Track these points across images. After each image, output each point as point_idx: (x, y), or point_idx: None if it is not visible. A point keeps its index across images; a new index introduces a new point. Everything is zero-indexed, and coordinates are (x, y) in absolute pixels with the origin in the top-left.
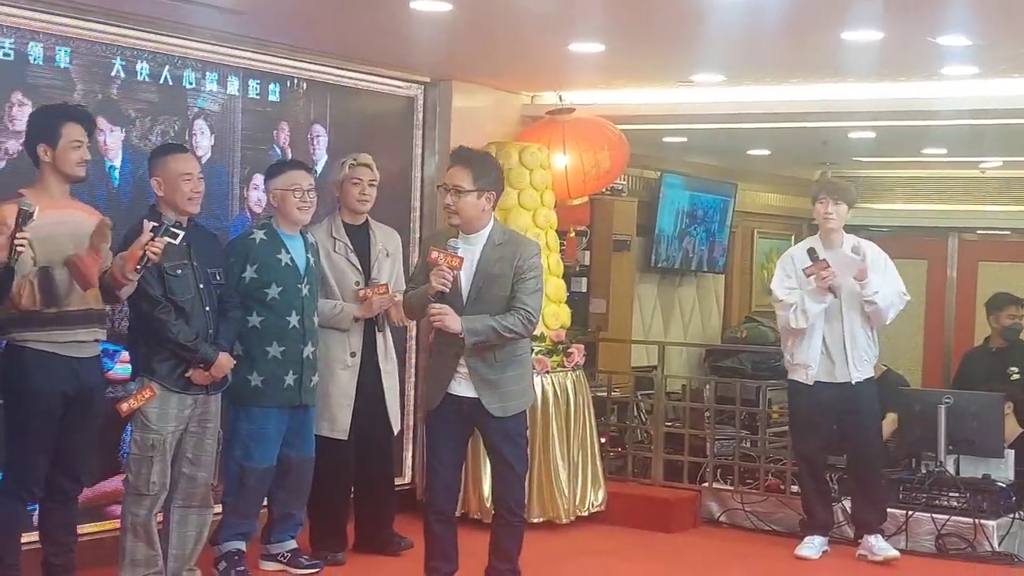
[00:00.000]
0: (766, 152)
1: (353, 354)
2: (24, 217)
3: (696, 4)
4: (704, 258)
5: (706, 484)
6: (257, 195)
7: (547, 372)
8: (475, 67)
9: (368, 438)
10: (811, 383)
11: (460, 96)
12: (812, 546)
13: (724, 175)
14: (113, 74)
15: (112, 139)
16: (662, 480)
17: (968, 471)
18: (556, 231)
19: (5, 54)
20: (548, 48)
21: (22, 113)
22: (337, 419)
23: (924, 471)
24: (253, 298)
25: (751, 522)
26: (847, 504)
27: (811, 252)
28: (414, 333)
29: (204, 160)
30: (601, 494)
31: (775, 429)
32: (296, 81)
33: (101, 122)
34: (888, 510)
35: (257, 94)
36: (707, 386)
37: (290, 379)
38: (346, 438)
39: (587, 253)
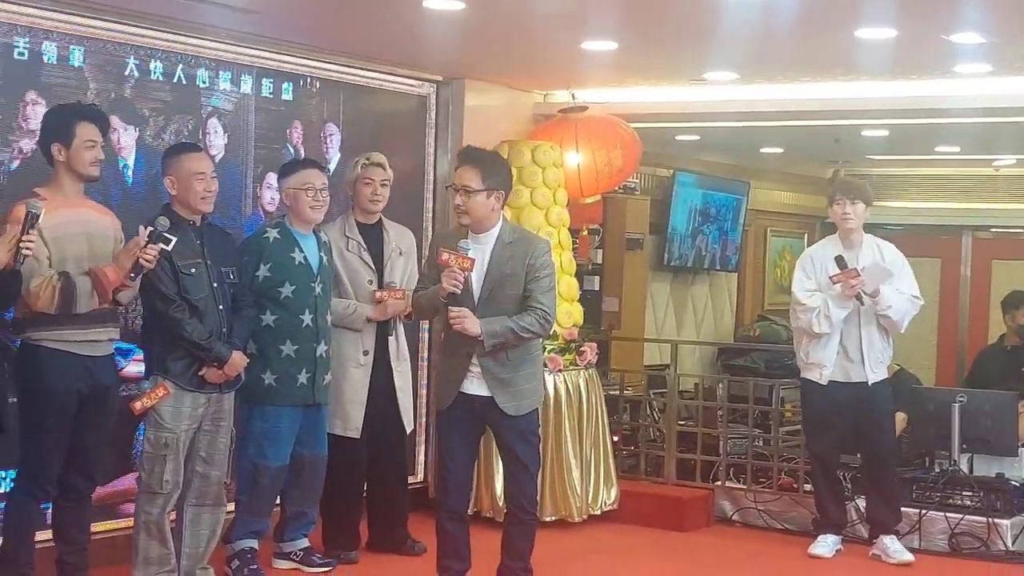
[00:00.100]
0: (779, 150)
1: (366, 353)
2: (31, 219)
3: (709, 2)
4: (717, 256)
5: (719, 483)
6: (270, 194)
7: (560, 370)
8: (487, 66)
9: (380, 437)
10: (825, 383)
11: (472, 95)
12: (825, 545)
13: (737, 173)
14: (127, 73)
15: (126, 138)
16: (675, 479)
17: (982, 470)
18: (569, 229)
19: (19, 53)
20: (561, 46)
21: (36, 112)
22: (350, 417)
23: (938, 470)
24: (267, 297)
25: (764, 521)
26: (860, 503)
27: (839, 260)
28: (426, 332)
29: (217, 159)
30: (613, 493)
31: (788, 428)
32: (309, 80)
33: (115, 121)
34: (902, 509)
35: (270, 93)
36: (720, 385)
37: (303, 378)
38: (359, 436)
39: (600, 251)
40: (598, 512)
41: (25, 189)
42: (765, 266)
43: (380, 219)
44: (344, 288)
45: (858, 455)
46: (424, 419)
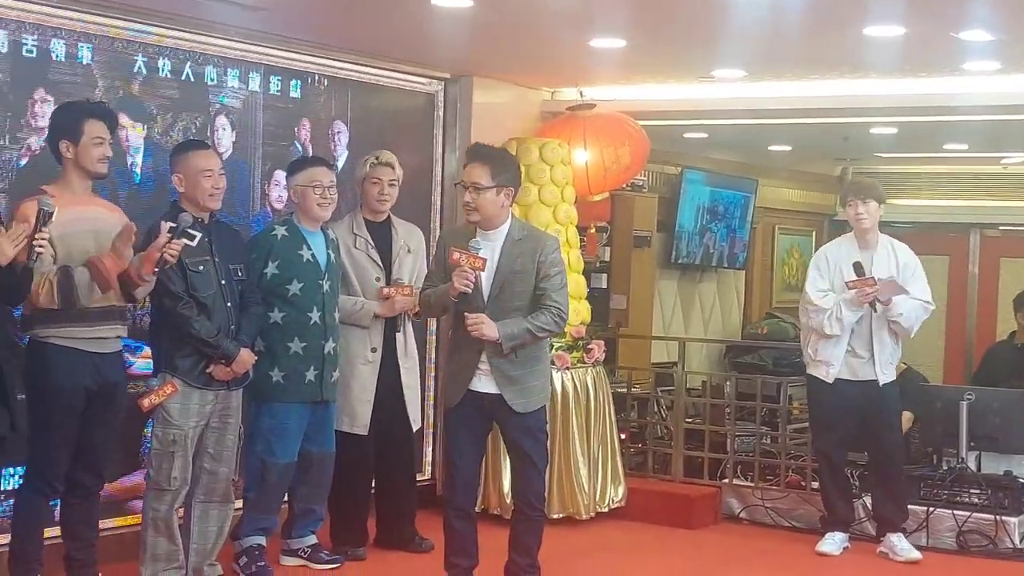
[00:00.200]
0: (787, 148)
1: (374, 350)
2: (44, 217)
3: None
4: (725, 254)
5: (726, 480)
6: (278, 191)
7: (567, 368)
8: (496, 63)
9: (388, 434)
10: (831, 381)
11: (481, 92)
12: (833, 542)
13: (745, 171)
14: (135, 70)
15: (134, 135)
16: (682, 476)
17: (990, 468)
18: (576, 227)
19: (28, 51)
20: (569, 44)
21: (45, 110)
22: (357, 415)
23: (945, 468)
24: (274, 294)
25: (771, 518)
26: (868, 500)
27: (857, 267)
28: (434, 330)
29: (225, 156)
30: (621, 490)
31: (795, 425)
32: (317, 77)
33: (123, 118)
34: (909, 507)
35: (278, 90)
36: (727, 382)
37: (311, 375)
38: (366, 433)
39: (607, 249)
40: (605, 509)
41: (34, 186)
42: (773, 264)
43: (389, 217)
44: (352, 286)
45: (865, 453)
46: (432, 417)
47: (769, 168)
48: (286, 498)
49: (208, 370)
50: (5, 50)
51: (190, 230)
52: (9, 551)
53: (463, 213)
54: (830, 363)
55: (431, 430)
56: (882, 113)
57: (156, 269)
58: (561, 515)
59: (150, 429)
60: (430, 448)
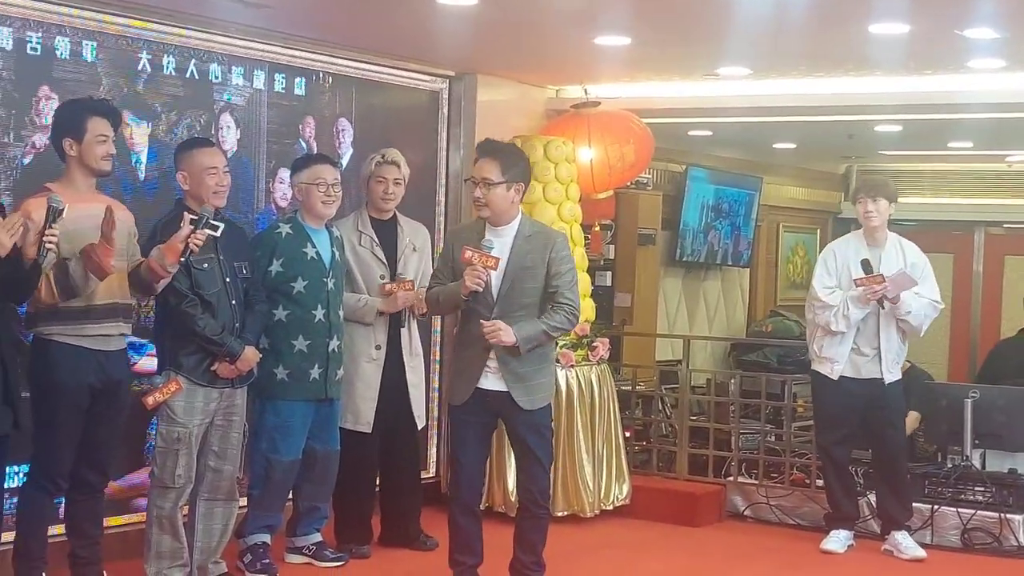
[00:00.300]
0: (792, 145)
1: (378, 347)
2: (54, 214)
3: None
4: (729, 252)
5: (731, 478)
6: (283, 189)
7: (572, 366)
8: (500, 61)
9: (392, 432)
10: (836, 378)
11: (485, 90)
12: (837, 540)
13: (749, 169)
14: (139, 68)
15: (138, 133)
16: (687, 474)
17: (994, 465)
18: (581, 225)
19: (32, 48)
20: (573, 41)
21: (49, 107)
22: (361, 412)
23: (950, 465)
24: (279, 292)
25: (776, 516)
26: (872, 498)
27: (866, 264)
28: (439, 327)
29: (230, 154)
30: (626, 488)
31: (800, 423)
32: (322, 75)
33: (127, 116)
34: (914, 504)
35: (283, 88)
36: (732, 380)
37: (315, 372)
38: (370, 431)
39: (612, 247)
40: (610, 507)
41: (38, 184)
42: (777, 262)
43: (395, 215)
44: (356, 284)
45: (869, 450)
46: (436, 414)
47: (774, 166)
48: (291, 496)
49: (212, 368)
50: (9, 47)
51: (213, 221)
52: (13, 549)
53: (473, 209)
54: (835, 360)
55: (436, 428)
56: (887, 111)
57: (181, 259)
58: (565, 513)
59: (154, 427)
60: (435, 446)
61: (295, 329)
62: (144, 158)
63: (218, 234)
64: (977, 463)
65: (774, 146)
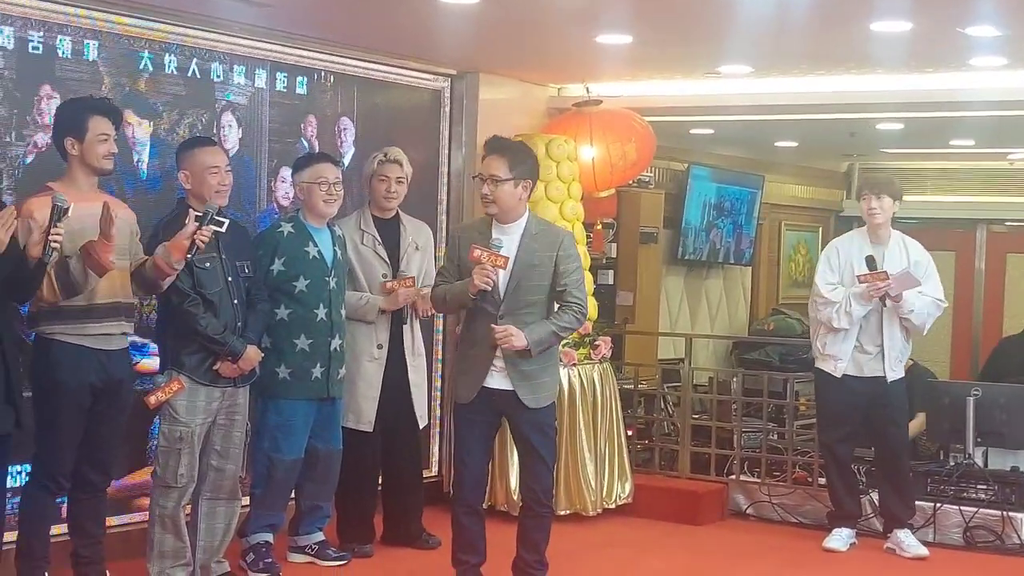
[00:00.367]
0: (793, 144)
1: (380, 346)
2: (59, 213)
3: None
4: (731, 250)
5: (733, 476)
6: (285, 188)
7: (574, 364)
8: (502, 59)
9: (395, 431)
10: (839, 376)
11: (487, 88)
12: (840, 538)
13: (751, 167)
14: (141, 67)
15: (140, 132)
16: (689, 472)
17: (996, 463)
18: (583, 223)
19: (34, 47)
20: (575, 40)
21: (51, 106)
22: (363, 411)
23: (952, 463)
24: (281, 291)
25: (778, 514)
26: (875, 496)
27: (870, 260)
28: (441, 327)
29: (232, 153)
30: (628, 486)
31: (802, 421)
32: (323, 74)
33: (128, 115)
34: (916, 502)
35: (284, 87)
36: (734, 378)
37: (318, 371)
38: (371, 430)
39: (614, 245)
40: (612, 506)
41: (40, 183)
42: (779, 260)
43: (397, 213)
44: (358, 282)
45: (872, 449)
46: (439, 413)
47: (775, 164)
48: (293, 495)
49: (215, 367)
50: (11, 47)
51: (218, 217)
52: (16, 548)
53: (481, 206)
54: (838, 358)
55: (438, 427)
56: (889, 109)
57: (188, 256)
58: (568, 511)
59: (157, 426)
60: (437, 445)
61: (297, 328)
62: (146, 157)
63: (223, 230)
64: (979, 461)
65: (776, 144)
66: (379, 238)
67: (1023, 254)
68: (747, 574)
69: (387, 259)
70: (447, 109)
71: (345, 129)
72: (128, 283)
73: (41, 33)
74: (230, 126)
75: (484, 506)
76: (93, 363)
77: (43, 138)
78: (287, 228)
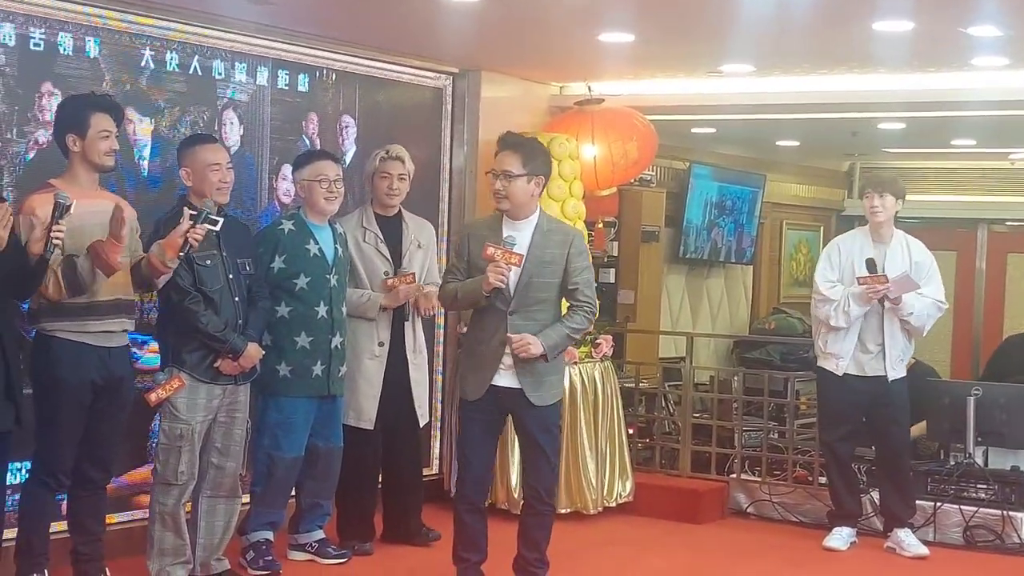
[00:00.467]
0: (795, 143)
1: (381, 344)
2: (61, 210)
3: None
4: (732, 249)
5: (734, 475)
6: (286, 185)
7: (575, 363)
8: (504, 58)
9: (395, 429)
10: (840, 374)
11: (489, 87)
12: (840, 537)
13: (753, 166)
14: (142, 64)
15: (141, 129)
16: (690, 471)
17: (997, 463)
18: (584, 222)
19: (35, 44)
20: (577, 38)
21: (52, 103)
22: (363, 409)
23: (953, 463)
24: (282, 288)
25: (779, 513)
26: (875, 495)
27: (870, 263)
28: (442, 323)
29: (233, 151)
30: (629, 485)
31: (803, 420)
32: (325, 72)
33: (130, 112)
34: (916, 502)
35: (286, 85)
36: (735, 377)
37: (318, 369)
38: (372, 428)
39: (615, 244)
40: (613, 504)
41: (41, 180)
42: (781, 259)
43: (400, 211)
44: (360, 279)
45: (872, 448)
46: (439, 411)
47: (777, 163)
48: (293, 493)
49: (215, 364)
50: (12, 43)
51: (212, 216)
52: (16, 545)
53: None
54: (840, 356)
55: (438, 424)
56: (890, 108)
57: (181, 255)
58: (569, 510)
59: (157, 424)
60: (437, 443)
61: (298, 325)
62: (147, 154)
63: (217, 228)
64: (980, 460)
65: (777, 143)
66: (381, 236)
67: None
68: (748, 573)
69: (389, 257)
70: (449, 107)
71: (347, 127)
72: (129, 280)
73: (42, 30)
74: (231, 123)
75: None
76: (94, 360)
77: (44, 135)
78: (288, 226)
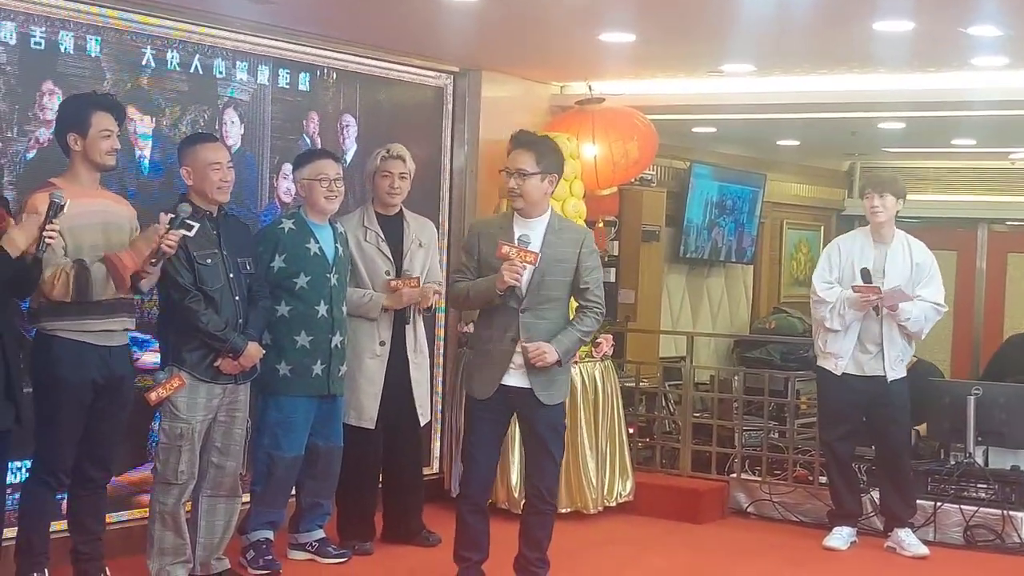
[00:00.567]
0: (795, 142)
1: (382, 343)
2: (55, 209)
3: None
4: (733, 249)
5: (734, 475)
6: (287, 185)
7: (576, 362)
8: (505, 57)
9: (396, 428)
10: (839, 374)
11: (489, 86)
12: (840, 537)
13: (753, 165)
14: (143, 63)
15: (142, 128)
16: (690, 471)
17: (997, 462)
18: (585, 221)
19: (36, 43)
20: (578, 38)
21: (53, 102)
22: (364, 408)
23: (953, 462)
24: (282, 287)
25: (779, 513)
26: (876, 495)
27: (865, 273)
28: (444, 320)
29: (234, 149)
30: (629, 484)
31: (803, 420)
32: (326, 71)
33: (131, 111)
34: (917, 501)
35: (287, 84)
36: (735, 377)
37: (318, 368)
38: (373, 427)
39: (616, 243)
40: (613, 504)
41: (42, 179)
42: (781, 259)
43: (401, 210)
44: (361, 279)
45: (872, 447)
46: (440, 411)
47: (777, 163)
48: (293, 492)
49: (216, 364)
50: (13, 42)
51: (188, 220)
52: (15, 544)
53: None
54: (839, 356)
55: (439, 423)
56: (890, 108)
57: (154, 261)
58: (569, 509)
59: (157, 423)
60: (438, 442)
61: (297, 325)
62: (148, 153)
63: (192, 233)
64: (980, 460)
65: (778, 143)
66: (382, 235)
67: None
68: (748, 572)
69: (390, 256)
70: (449, 106)
71: (348, 126)
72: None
73: (43, 29)
74: (232, 122)
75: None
76: (95, 359)
77: (44, 134)
78: (288, 224)
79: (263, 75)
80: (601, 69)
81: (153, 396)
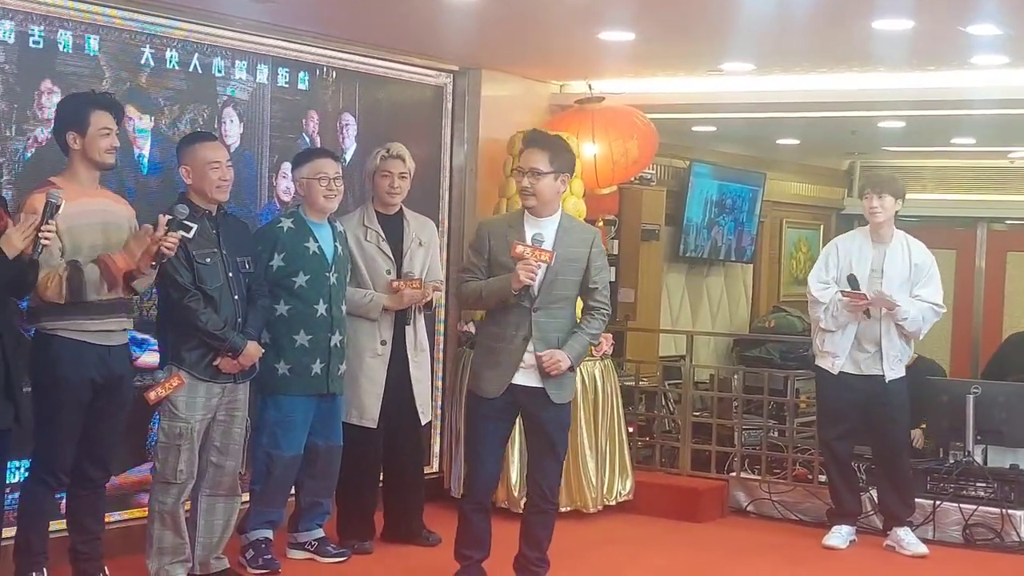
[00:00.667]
0: (795, 141)
1: (383, 343)
2: (51, 209)
3: None
4: (732, 247)
5: (734, 474)
6: (286, 183)
7: None
8: (504, 56)
9: (397, 427)
10: (836, 373)
11: (489, 85)
12: (839, 536)
13: (753, 164)
14: (142, 62)
15: (141, 127)
16: (690, 470)
17: (996, 461)
18: (585, 220)
19: (35, 42)
20: (578, 37)
21: (51, 101)
22: (366, 408)
23: (952, 461)
24: (281, 286)
25: (779, 512)
26: (875, 494)
27: (852, 280)
28: (444, 317)
29: (233, 148)
30: (629, 483)
31: (803, 419)
32: (325, 70)
33: (130, 110)
34: (916, 500)
35: (286, 82)
36: (735, 376)
37: (317, 367)
38: (375, 427)
39: (616, 242)
40: (613, 503)
41: (40, 178)
42: (780, 258)
43: (401, 209)
44: (362, 278)
45: (870, 446)
46: (440, 410)
47: (777, 162)
48: (293, 491)
49: (215, 363)
50: (12, 41)
51: (187, 222)
52: (14, 544)
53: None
54: (836, 355)
55: (439, 422)
56: (890, 107)
57: (153, 264)
58: (569, 508)
59: (156, 422)
60: (438, 441)
61: (296, 324)
62: (147, 152)
63: (190, 235)
64: (979, 459)
65: (777, 142)
66: (383, 234)
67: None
68: (747, 571)
69: (391, 255)
70: (449, 105)
71: (347, 125)
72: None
73: (42, 27)
74: (231, 121)
75: None
76: (94, 358)
77: (43, 133)
78: (287, 224)
79: (262, 74)
80: (601, 68)
81: (152, 395)
